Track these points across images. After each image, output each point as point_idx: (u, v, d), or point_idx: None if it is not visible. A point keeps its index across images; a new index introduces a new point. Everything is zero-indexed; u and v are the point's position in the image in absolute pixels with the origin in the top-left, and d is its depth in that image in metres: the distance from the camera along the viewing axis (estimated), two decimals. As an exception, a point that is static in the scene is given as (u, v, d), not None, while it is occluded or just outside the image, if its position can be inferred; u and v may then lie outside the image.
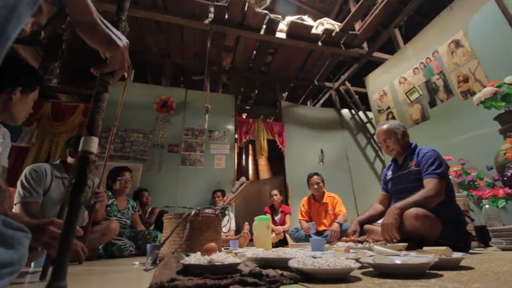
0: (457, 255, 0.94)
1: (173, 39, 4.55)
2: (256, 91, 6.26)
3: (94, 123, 0.56)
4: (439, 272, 0.79)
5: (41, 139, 3.76)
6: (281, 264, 0.94)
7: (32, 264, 1.31)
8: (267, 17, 3.97)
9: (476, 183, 2.51)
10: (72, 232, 0.45)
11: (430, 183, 1.50)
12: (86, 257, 1.30)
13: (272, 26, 4.12)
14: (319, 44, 4.42)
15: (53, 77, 3.83)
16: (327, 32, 4.28)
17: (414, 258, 0.84)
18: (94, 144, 0.54)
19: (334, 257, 0.87)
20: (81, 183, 0.49)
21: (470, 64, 2.92)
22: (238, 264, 0.80)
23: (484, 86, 2.50)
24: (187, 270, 0.80)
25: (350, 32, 4.34)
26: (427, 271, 0.80)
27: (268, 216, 2.17)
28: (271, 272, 0.76)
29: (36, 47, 4.51)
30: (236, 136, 4.65)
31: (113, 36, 0.60)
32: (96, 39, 0.59)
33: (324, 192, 3.24)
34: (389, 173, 1.87)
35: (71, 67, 4.44)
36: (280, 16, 4.11)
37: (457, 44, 3.09)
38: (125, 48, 0.63)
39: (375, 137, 5.36)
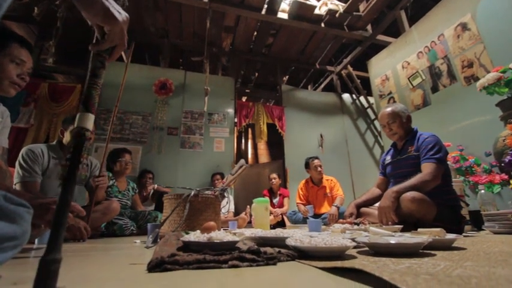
0: (450, 236, 0.96)
1: (171, 18, 4.40)
2: (257, 74, 6.14)
3: (90, 100, 0.53)
4: (433, 252, 0.81)
5: (39, 120, 3.73)
6: (279, 242, 0.96)
7: (36, 240, 1.34)
8: (269, -4, 3.83)
9: (473, 169, 2.54)
10: (66, 207, 0.45)
11: (427, 168, 1.51)
12: (88, 236, 1.33)
13: (274, 5, 3.98)
14: (322, 25, 4.28)
15: (48, 56, 3.72)
16: (331, 12, 4.14)
17: (408, 238, 0.86)
18: (90, 121, 0.52)
19: (331, 236, 0.89)
20: (76, 159, 0.48)
21: (476, 48, 2.85)
22: (237, 242, 0.82)
23: (489, 72, 2.46)
24: (187, 247, 0.82)
25: (354, 13, 4.20)
26: (421, 251, 0.82)
27: (267, 198, 2.20)
28: (269, 249, 0.78)
29: (30, 25, 4.37)
30: (236, 120, 4.62)
31: (112, 9, 0.57)
32: (94, 11, 0.56)
33: (322, 176, 3.27)
34: (388, 157, 1.88)
35: (66, 46, 4.32)
36: (282, -5, 3.96)
37: (464, 27, 3.00)
38: (124, 23, 0.60)
39: (375, 122, 5.35)
